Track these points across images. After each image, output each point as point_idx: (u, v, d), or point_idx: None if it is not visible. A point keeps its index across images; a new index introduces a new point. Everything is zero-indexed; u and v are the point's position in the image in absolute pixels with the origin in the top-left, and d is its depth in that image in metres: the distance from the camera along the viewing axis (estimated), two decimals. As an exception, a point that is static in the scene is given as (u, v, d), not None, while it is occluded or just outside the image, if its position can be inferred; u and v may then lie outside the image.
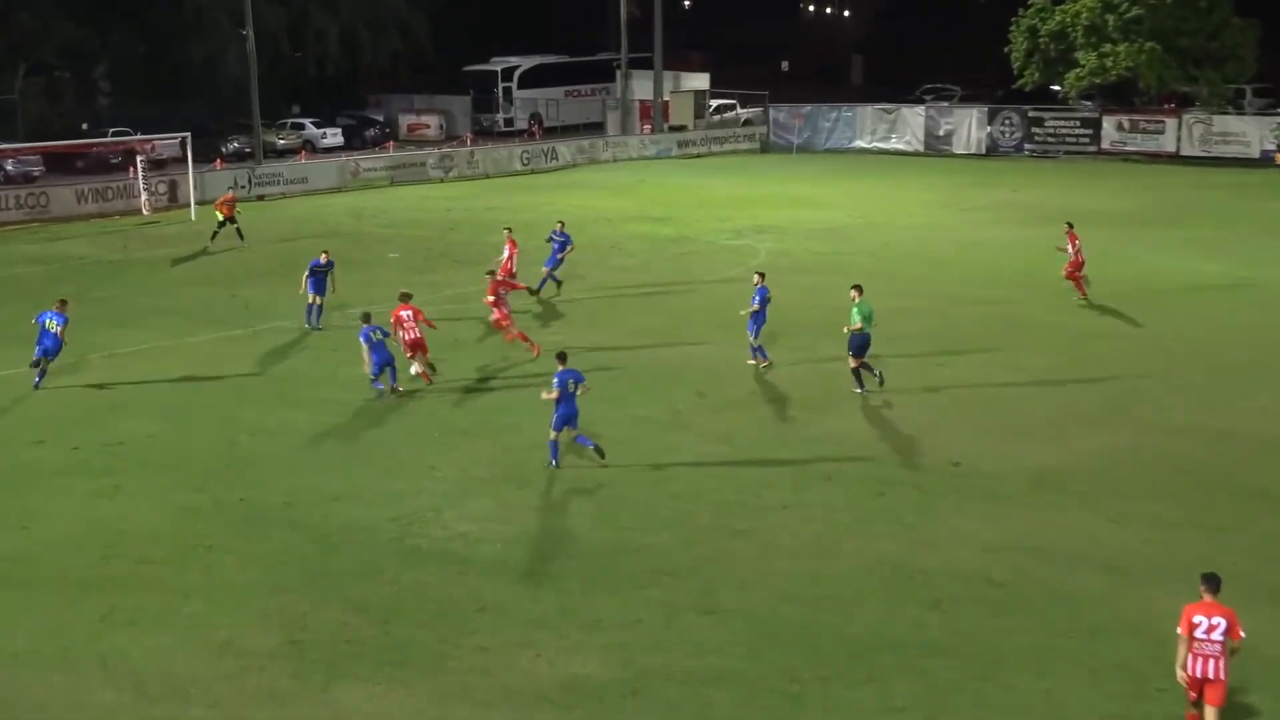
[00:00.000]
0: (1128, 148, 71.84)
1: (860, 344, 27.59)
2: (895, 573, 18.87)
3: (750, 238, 47.69)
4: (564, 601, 18.06)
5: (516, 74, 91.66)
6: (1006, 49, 77.04)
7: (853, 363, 27.75)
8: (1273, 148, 68.27)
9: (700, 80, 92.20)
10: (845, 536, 20.24)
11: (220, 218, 47.44)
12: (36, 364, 28.85)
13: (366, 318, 28.01)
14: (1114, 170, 67.92)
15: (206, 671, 16.30)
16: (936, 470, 23.12)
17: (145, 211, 55.58)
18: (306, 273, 34.07)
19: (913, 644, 16.83)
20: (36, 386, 28.76)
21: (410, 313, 28.59)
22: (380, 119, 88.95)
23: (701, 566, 19.16)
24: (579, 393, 23.25)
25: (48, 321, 28.93)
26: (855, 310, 27.52)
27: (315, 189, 62.97)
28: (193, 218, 53.83)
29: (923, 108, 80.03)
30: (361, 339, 27.48)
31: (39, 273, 42.99)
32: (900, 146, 77.74)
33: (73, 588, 18.64)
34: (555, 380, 23.18)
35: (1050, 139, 74.51)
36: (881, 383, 27.84)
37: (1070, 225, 37.13)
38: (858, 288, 27.99)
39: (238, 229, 47.36)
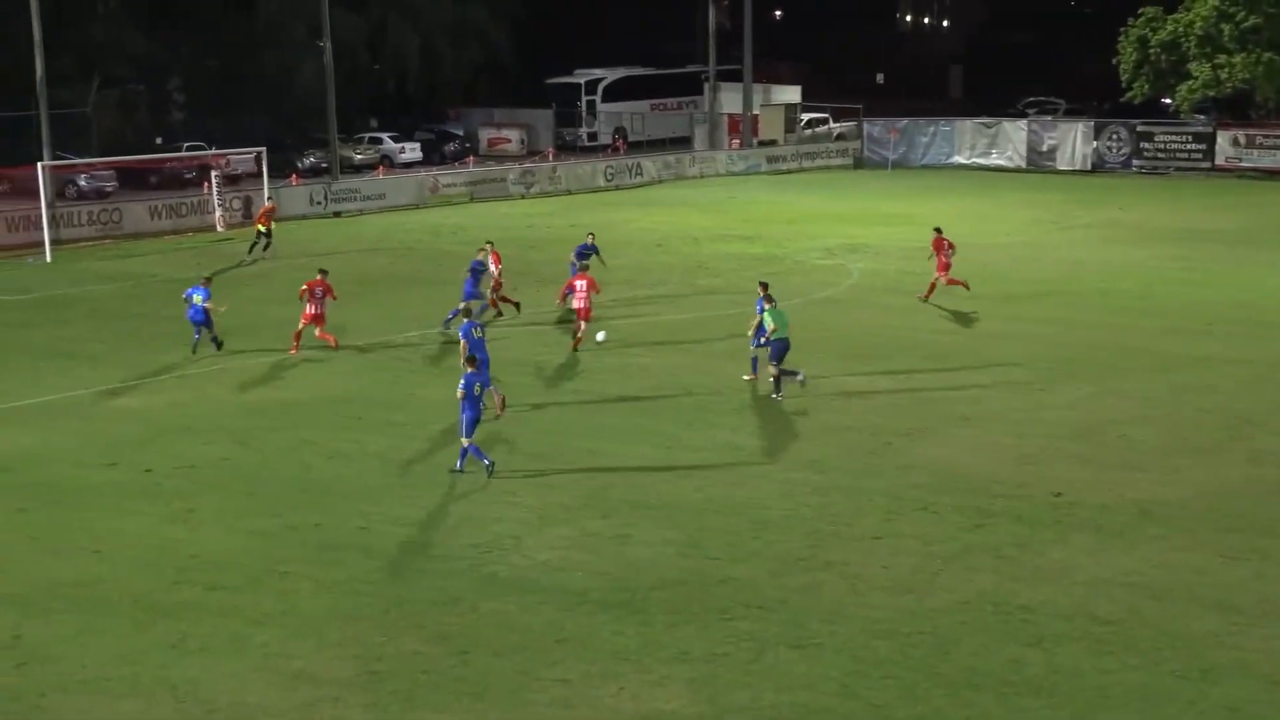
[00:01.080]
0: (1243, 164, 71.00)
1: (780, 350, 28.95)
2: (994, 608, 18.74)
3: (842, 257, 47.59)
4: (647, 633, 18.10)
5: (601, 87, 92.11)
6: (1115, 60, 76.38)
7: (773, 370, 29.00)
8: None
9: (791, 93, 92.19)
10: (941, 570, 20.14)
11: (261, 230, 48.76)
12: (197, 335, 33.69)
13: (468, 312, 30.31)
14: (1228, 188, 67.12)
15: (279, 702, 16.49)
16: (1038, 501, 22.94)
17: (219, 228, 56.40)
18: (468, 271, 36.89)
19: (1012, 683, 16.71)
20: (195, 349, 33.53)
21: (585, 283, 33.51)
22: (460, 133, 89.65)
23: (790, 599, 19.14)
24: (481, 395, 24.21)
25: (194, 296, 32.99)
26: (768, 316, 28.99)
27: (393, 205, 63.59)
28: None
29: (1025, 122, 79.54)
30: (461, 334, 28.79)
31: (110, 291, 43.73)
32: (1001, 162, 77.30)
33: (143, 613, 18.93)
34: (462, 383, 24.18)
35: (1160, 155, 73.78)
36: (803, 384, 29.11)
37: (938, 230, 39.54)
38: (764, 287, 30.04)
39: (268, 242, 48.47)
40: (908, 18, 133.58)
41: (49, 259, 49.58)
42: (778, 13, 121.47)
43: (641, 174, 74.03)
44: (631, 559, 20.72)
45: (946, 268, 38.85)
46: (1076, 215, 57.84)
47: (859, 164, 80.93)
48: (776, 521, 22.12)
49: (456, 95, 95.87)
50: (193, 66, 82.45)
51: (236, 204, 58.92)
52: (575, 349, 33.13)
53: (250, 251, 48.74)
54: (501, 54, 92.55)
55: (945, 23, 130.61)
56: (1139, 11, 75.62)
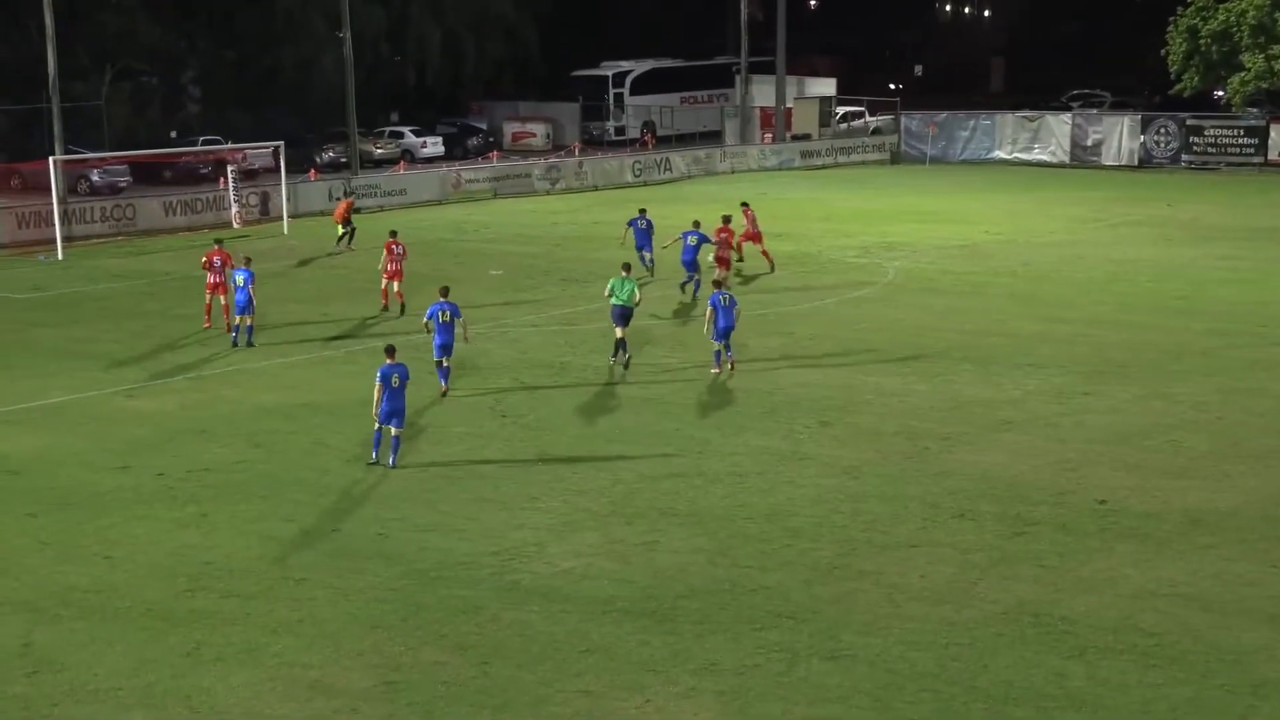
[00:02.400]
0: (1298, 158, 70.70)
1: (618, 315, 31.95)
2: (1034, 619, 18.69)
3: (878, 255, 47.54)
4: (675, 644, 18.10)
5: (628, 79, 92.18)
6: (1163, 51, 76.05)
7: (618, 332, 32.00)
8: None
9: (826, 86, 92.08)
10: (980, 579, 20.09)
11: (340, 224, 50.12)
12: (234, 333, 34.84)
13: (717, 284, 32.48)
14: (1281, 183, 66.85)
15: (296, 713, 16.54)
16: (1081, 509, 22.88)
17: (236, 224, 56.59)
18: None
19: (1053, 696, 16.66)
20: (238, 344, 34.43)
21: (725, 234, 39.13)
22: (483, 127, 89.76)
23: (823, 608, 19.12)
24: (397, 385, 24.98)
25: (237, 277, 34.17)
26: (611, 283, 32.27)
27: (414, 201, 63.77)
28: (285, 231, 54.73)
29: (1069, 115, 79.32)
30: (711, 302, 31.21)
31: (123, 289, 43.95)
32: (1043, 157, 77.12)
33: (156, 621, 19.01)
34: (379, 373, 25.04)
35: (1210, 149, 73.50)
36: (625, 368, 31.67)
37: (745, 204, 45.30)
38: (626, 266, 33.26)
39: (349, 234, 49.84)
40: (947, 8, 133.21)
41: (61, 256, 49.82)
42: (812, 3, 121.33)
43: (670, 169, 74.06)
44: (659, 567, 20.72)
45: (759, 237, 44.18)
46: (1122, 213, 57.67)
47: (896, 159, 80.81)
48: (809, 529, 22.11)
49: (480, 88, 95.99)
50: (208, 58, 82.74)
51: (253, 200, 59.14)
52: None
53: (338, 243, 50.12)
54: (526, 46, 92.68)
55: (986, 13, 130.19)
56: (1188, 1, 75.30)
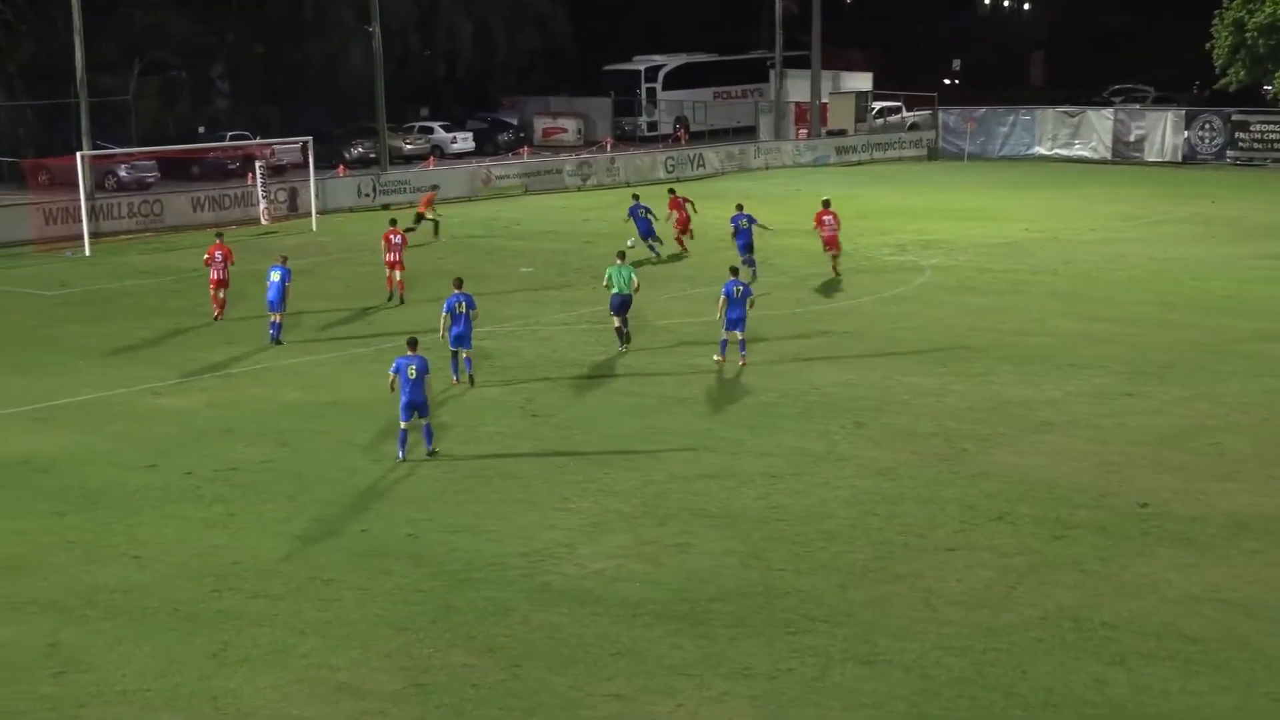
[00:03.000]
0: (1347, 156, 70.33)
1: (618, 304, 33.66)
2: (1074, 625, 18.62)
3: (915, 253, 47.44)
4: (708, 647, 18.10)
5: (661, 74, 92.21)
6: (1208, 45, 75.68)
7: (615, 321, 33.91)
8: None
9: (862, 80, 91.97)
10: (1018, 583, 20.03)
11: (426, 216, 51.84)
12: (273, 330, 35.08)
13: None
14: (1328, 180, 66.49)
15: (323, 715, 16.58)
16: (1122, 512, 22.78)
17: (264, 221, 56.83)
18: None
19: (1093, 704, 16.59)
20: (274, 340, 34.75)
21: (830, 217, 42.11)
22: (514, 122, 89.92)
23: (858, 612, 19.10)
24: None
25: (272, 274, 34.40)
26: (608, 272, 33.81)
27: (444, 198, 63.72)
28: (313, 227, 54.91)
29: (1111, 110, 79.07)
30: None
31: (150, 285, 44.18)
32: (1085, 153, 76.88)
33: (184, 621, 19.09)
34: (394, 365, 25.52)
35: (1257, 145, 73.12)
36: (623, 350, 33.52)
37: (672, 190, 49.77)
38: (621, 255, 35.05)
39: (436, 226, 51.66)
40: (986, 1, 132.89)
41: (88, 252, 50.12)
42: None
43: (704, 165, 74.08)
44: (691, 569, 20.72)
45: (684, 223, 48.00)
46: (1165, 210, 57.44)
47: (933, 155, 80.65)
48: (844, 531, 22.08)
49: (511, 83, 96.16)
50: (237, 52, 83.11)
51: (281, 196, 59.35)
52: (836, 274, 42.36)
53: (436, 234, 51.51)
54: (558, 39, 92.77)
55: (1026, 6, 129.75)
56: (1235, -7, 74.90)
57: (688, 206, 48.57)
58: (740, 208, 43.46)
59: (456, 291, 30.69)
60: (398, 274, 40.24)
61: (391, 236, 40.33)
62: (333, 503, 23.67)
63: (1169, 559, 20.83)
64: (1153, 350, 33.26)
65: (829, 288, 41.62)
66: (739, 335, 31.94)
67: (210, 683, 17.31)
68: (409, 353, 25.50)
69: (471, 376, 30.80)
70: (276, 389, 31.12)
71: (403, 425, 25.54)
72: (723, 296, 31.71)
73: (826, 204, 43.84)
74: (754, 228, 42.80)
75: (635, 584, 20.13)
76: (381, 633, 18.63)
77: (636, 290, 33.78)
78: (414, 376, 25.17)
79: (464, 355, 30.64)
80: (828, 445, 26.43)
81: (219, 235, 39.54)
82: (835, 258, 42.80)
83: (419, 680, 17.33)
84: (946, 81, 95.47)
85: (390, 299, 40.28)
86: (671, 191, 50.12)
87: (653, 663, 17.68)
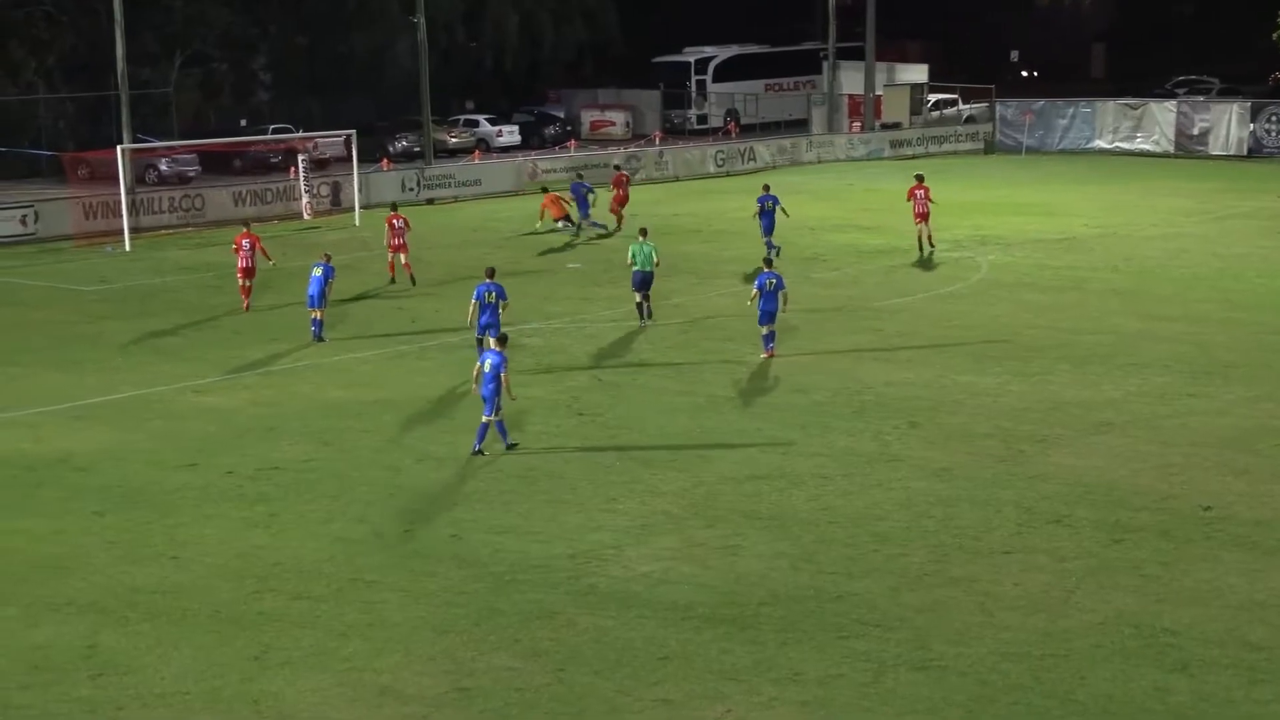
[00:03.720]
0: None
1: (640, 280, 35.91)
2: (1135, 631, 18.52)
3: (971, 249, 47.25)
4: (757, 652, 18.09)
5: (712, 66, 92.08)
6: (1276, 35, 75.06)
7: (637, 297, 36.04)
8: None
9: (917, 72, 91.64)
10: (1077, 588, 19.94)
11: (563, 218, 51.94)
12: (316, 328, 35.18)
13: (768, 263, 33.96)
14: (1399, 174, 65.86)
15: (365, 719, 16.66)
16: (1185, 515, 22.64)
17: (306, 216, 57.06)
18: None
19: (1154, 712, 16.50)
20: (315, 338, 34.87)
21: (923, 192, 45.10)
22: (561, 115, 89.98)
23: (912, 617, 19.04)
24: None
25: (315, 270, 34.77)
26: (631, 249, 36.22)
27: (489, 192, 64.03)
28: (356, 223, 55.09)
29: (1174, 103, 78.47)
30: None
31: (191, 281, 44.44)
32: (1146, 147, 76.33)
33: (224, 624, 19.20)
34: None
35: (1325, 138, 72.48)
36: (644, 324, 35.75)
37: (618, 167, 55.03)
38: (643, 231, 37.33)
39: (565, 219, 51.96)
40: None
41: (128, 248, 50.46)
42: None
43: (754, 159, 73.96)
44: (741, 572, 20.70)
45: (623, 201, 51.95)
46: (1230, 205, 57.00)
47: (990, 149, 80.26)
48: (897, 534, 22.02)
49: (558, 75, 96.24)
50: (279, 44, 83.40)
51: (324, 190, 59.58)
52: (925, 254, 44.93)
53: (578, 231, 51.76)
54: (606, 31, 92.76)
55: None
56: (1303, -20, 74.25)
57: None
58: (766, 188, 46.48)
59: (487, 280, 31.54)
60: (403, 257, 41.84)
61: (394, 221, 42.09)
62: (376, 503, 23.75)
63: (1233, 564, 20.69)
64: (1216, 349, 33.02)
65: (883, 284, 41.46)
66: (768, 328, 32.58)
67: (251, 686, 17.41)
68: (496, 349, 25.89)
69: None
70: (319, 387, 31.26)
71: (487, 420, 25.92)
72: (755, 289, 32.48)
73: (920, 178, 46.40)
74: (777, 210, 45.18)
75: (683, 587, 20.13)
76: (425, 635, 18.69)
77: (657, 265, 36.20)
78: (487, 370, 25.55)
79: (491, 344, 30.75)
80: (881, 446, 26.36)
81: (246, 224, 40.83)
82: (925, 232, 45.68)
83: (462, 684, 17.37)
84: (976, 72, 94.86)
85: (393, 282, 42.19)
86: (618, 168, 56.42)
87: (701, 667, 17.68)
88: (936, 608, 19.32)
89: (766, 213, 45.18)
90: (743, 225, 48.47)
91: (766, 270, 32.88)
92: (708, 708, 16.72)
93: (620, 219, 52.03)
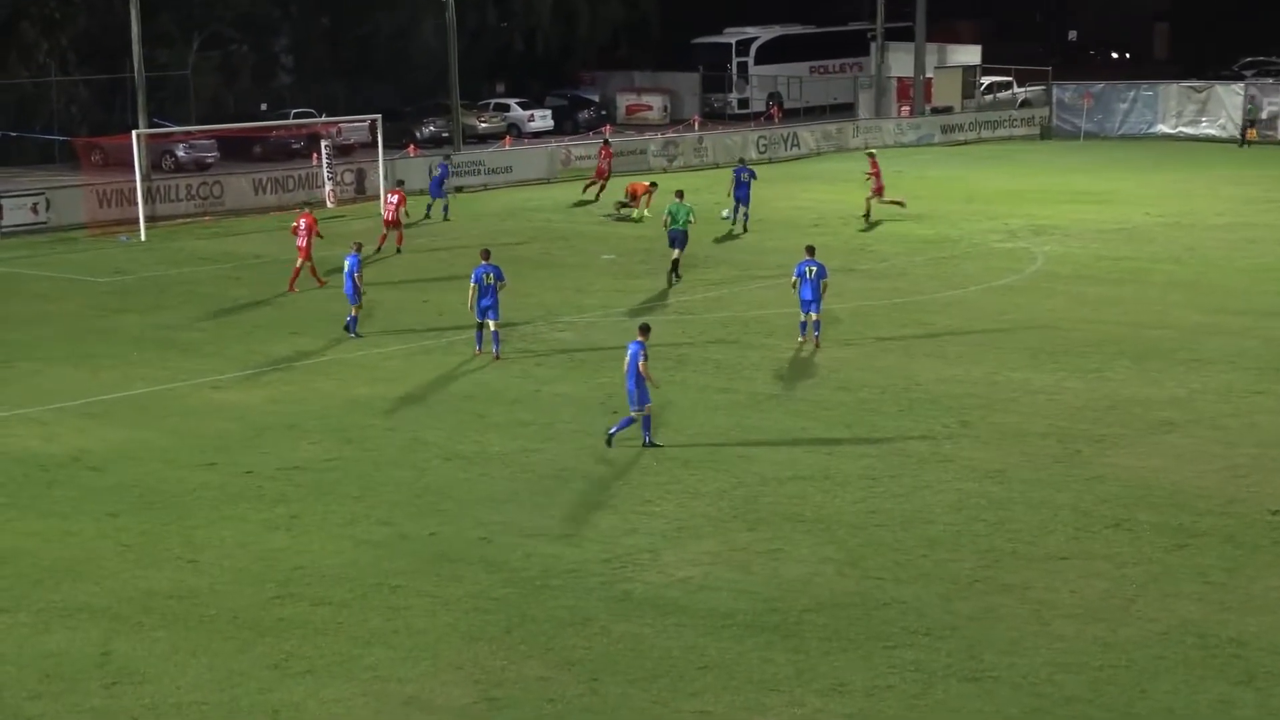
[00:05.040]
0: None
1: (673, 237, 40.43)
2: (1199, 641, 18.45)
3: (1026, 239, 47.12)
4: (800, 661, 18.07)
5: (754, 47, 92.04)
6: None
7: (674, 254, 40.41)
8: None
9: (970, 54, 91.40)
10: (1138, 595, 19.86)
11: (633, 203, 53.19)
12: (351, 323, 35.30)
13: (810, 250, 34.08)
14: None
15: (389, 729, 16.72)
16: (1252, 519, 22.53)
17: (329, 203, 57.11)
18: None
19: (1219, 726, 16.47)
20: (349, 332, 34.97)
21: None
22: (595, 99, 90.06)
23: (963, 625, 19.00)
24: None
25: (346, 264, 34.83)
26: (669, 207, 40.77)
27: (520, 179, 64.10)
28: (382, 211, 55.18)
29: (1241, 85, 78.12)
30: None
31: (209, 273, 44.59)
32: (1212, 132, 76.03)
33: (243, 630, 19.26)
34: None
35: (1401, 123, 72.03)
36: (674, 281, 40.00)
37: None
38: (679, 193, 42.03)
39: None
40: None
41: (144, 237, 50.65)
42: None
43: (798, 145, 73.90)
44: (783, 577, 20.68)
45: (604, 174, 56.28)
46: (1300, 192, 56.69)
47: (1046, 134, 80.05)
48: (948, 538, 21.97)
49: (592, 57, 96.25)
50: (301, 25, 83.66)
51: (348, 177, 59.71)
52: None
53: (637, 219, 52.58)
54: (644, 10, 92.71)
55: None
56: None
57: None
58: (742, 161, 53.62)
59: (484, 263, 32.64)
60: (396, 231, 46.41)
61: (390, 196, 47.18)
62: (401, 504, 23.80)
63: (1302, 571, 20.61)
64: (1285, 344, 32.88)
65: (934, 277, 41.35)
66: (814, 316, 33.03)
67: (271, 695, 17.46)
68: (638, 338, 26.21)
69: (498, 351, 32.55)
70: (343, 383, 31.34)
71: (634, 414, 26.28)
72: (795, 276, 33.17)
73: (872, 156, 52.16)
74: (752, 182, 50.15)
75: (723, 593, 20.11)
76: (452, 643, 18.71)
77: (693, 224, 40.90)
78: (627, 360, 26.04)
79: (491, 327, 32.56)
80: (931, 446, 26.30)
81: (306, 205, 43.75)
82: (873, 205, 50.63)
83: (492, 694, 17.39)
84: (1032, 54, 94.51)
85: (379, 252, 45.63)
86: (605, 143, 59.85)
87: (742, 677, 17.66)
88: (988, 616, 19.27)
89: (742, 184, 49.68)
90: (787, 213, 48.46)
91: (808, 258, 33.09)
92: (749, 719, 16.71)
93: (600, 190, 56.64)
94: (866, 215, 51.06)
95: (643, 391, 26.01)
